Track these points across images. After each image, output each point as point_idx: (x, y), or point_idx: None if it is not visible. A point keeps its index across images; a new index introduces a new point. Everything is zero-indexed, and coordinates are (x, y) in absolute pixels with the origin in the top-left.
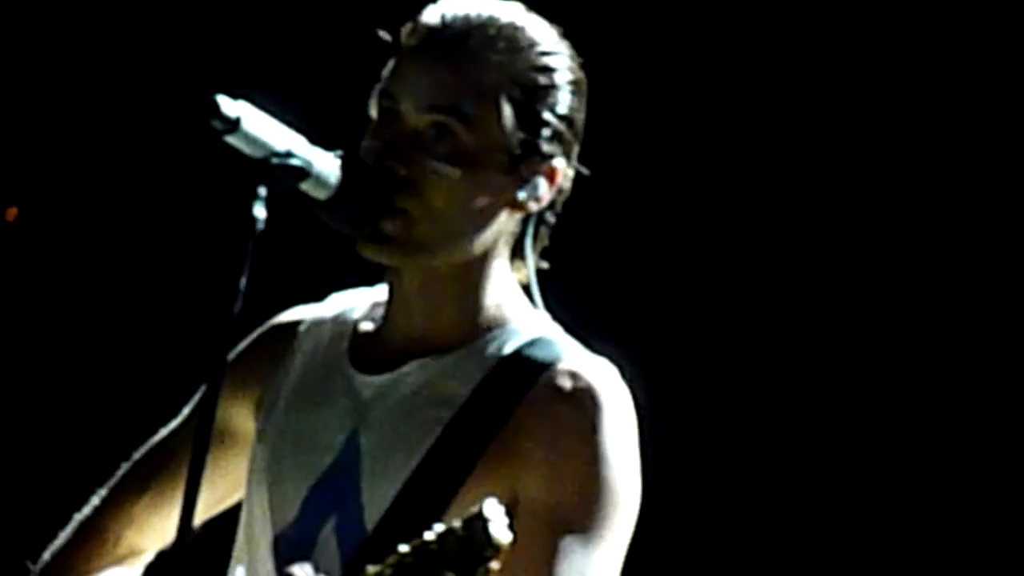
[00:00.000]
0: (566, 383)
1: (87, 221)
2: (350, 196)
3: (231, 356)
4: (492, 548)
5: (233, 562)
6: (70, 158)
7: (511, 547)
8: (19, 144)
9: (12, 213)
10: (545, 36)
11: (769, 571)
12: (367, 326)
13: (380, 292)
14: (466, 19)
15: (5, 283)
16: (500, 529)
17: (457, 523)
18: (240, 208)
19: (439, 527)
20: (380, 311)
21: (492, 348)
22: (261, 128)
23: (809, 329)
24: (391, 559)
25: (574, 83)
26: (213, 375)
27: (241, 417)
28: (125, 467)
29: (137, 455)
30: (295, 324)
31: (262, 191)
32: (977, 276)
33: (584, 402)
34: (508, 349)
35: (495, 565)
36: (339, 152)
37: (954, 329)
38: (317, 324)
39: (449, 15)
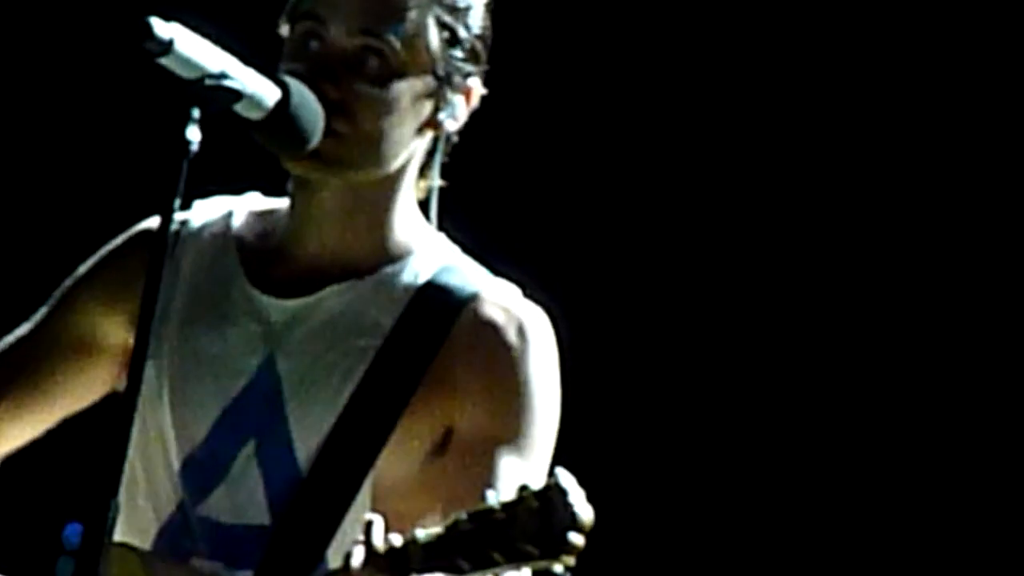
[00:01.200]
0: (494, 314)
1: (13, 143)
2: (284, 117)
3: (96, 261)
4: (576, 527)
5: (125, 483)
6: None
7: (451, 473)
8: None
9: None
10: None
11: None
12: (256, 240)
13: (253, 202)
14: None
15: None
16: (581, 504)
17: (528, 493)
18: (173, 129)
19: (497, 495)
20: (267, 224)
21: (407, 275)
22: (194, 50)
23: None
24: (445, 525)
25: (487, 2)
26: (146, 300)
27: (112, 327)
28: None
29: None
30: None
31: (196, 113)
32: (976, 276)
33: (515, 334)
34: (423, 276)
35: (580, 543)
36: (276, 74)
37: (941, 328)
38: (194, 233)
39: None
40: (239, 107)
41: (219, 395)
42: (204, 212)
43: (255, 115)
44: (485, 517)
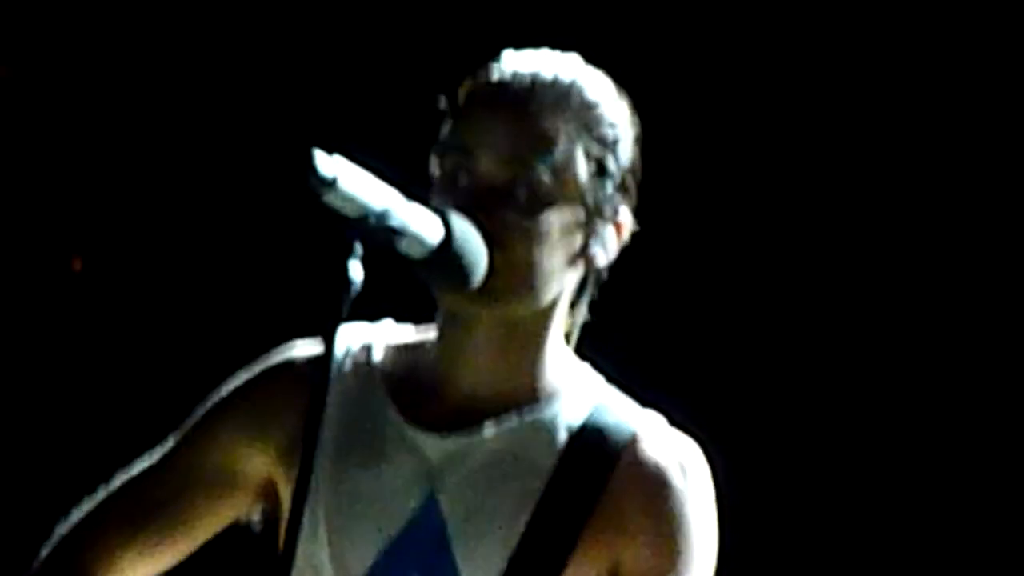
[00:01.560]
0: (655, 455)
1: (180, 279)
2: (448, 254)
3: (234, 392)
4: None
5: None
6: (162, 211)
7: None
8: (111, 196)
9: (77, 264)
10: (609, 89)
11: None
12: (403, 375)
13: (390, 332)
14: (535, 73)
15: (77, 337)
16: None
17: None
18: (336, 267)
19: None
20: (412, 357)
21: (564, 415)
22: (358, 186)
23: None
24: None
25: (636, 136)
26: (308, 437)
27: (255, 461)
28: (99, 499)
29: (113, 488)
30: (307, 363)
31: (359, 249)
32: (977, 277)
33: (676, 471)
34: (579, 416)
35: None
36: (439, 209)
37: (941, 328)
38: (336, 365)
39: (517, 69)
40: (402, 245)
41: (379, 532)
42: (341, 341)
43: (418, 253)
44: None
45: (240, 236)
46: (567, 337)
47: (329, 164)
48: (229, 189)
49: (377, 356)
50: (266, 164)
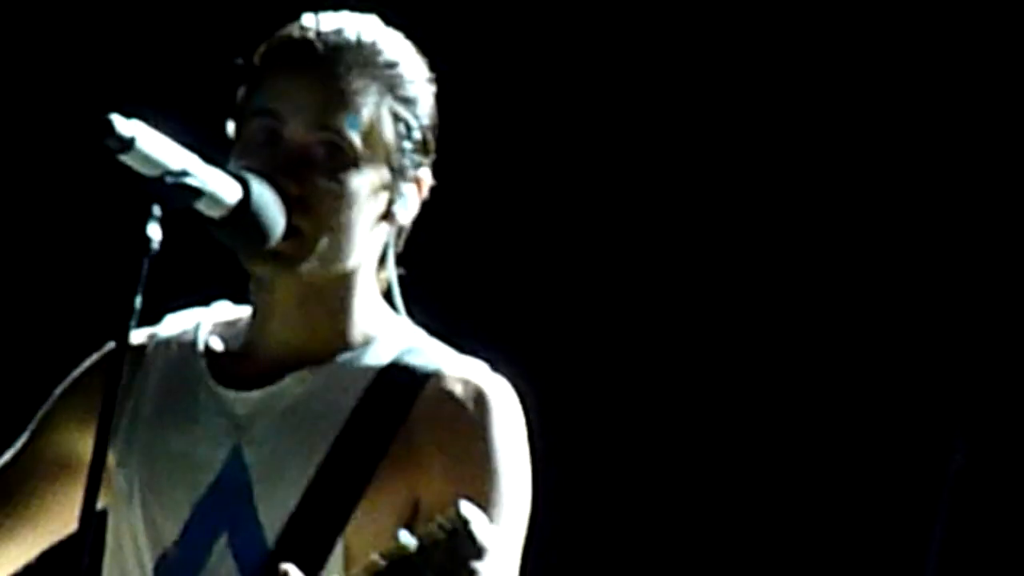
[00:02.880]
0: (455, 388)
1: None
2: (246, 216)
3: (70, 380)
4: (477, 551)
5: None
6: None
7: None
8: None
9: None
10: (408, 49)
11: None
12: (222, 344)
13: (222, 311)
14: (338, 34)
15: None
16: (483, 530)
17: (435, 528)
18: (134, 227)
19: (409, 535)
20: (234, 329)
21: (369, 358)
22: (156, 147)
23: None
24: (362, 569)
25: (433, 93)
26: (104, 409)
27: (86, 442)
28: None
29: None
30: (139, 348)
31: (156, 210)
32: (977, 278)
33: (476, 404)
34: (385, 358)
35: (481, 568)
36: (236, 172)
37: (941, 329)
38: (162, 345)
39: (319, 30)
40: (200, 205)
41: (189, 492)
42: (173, 325)
43: (216, 213)
44: (399, 556)
45: (40, 200)
46: (386, 295)
47: (127, 125)
48: (27, 152)
49: (202, 332)
50: (64, 126)
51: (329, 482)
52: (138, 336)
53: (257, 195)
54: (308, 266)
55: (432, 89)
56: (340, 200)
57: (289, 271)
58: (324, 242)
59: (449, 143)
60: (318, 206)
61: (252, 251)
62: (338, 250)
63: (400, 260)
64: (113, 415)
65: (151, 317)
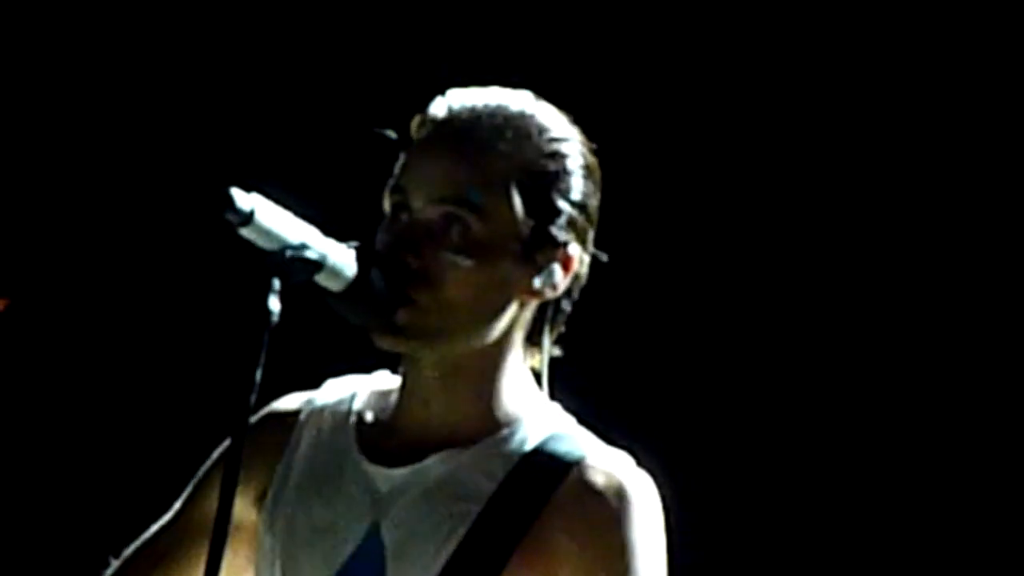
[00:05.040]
0: (597, 479)
1: (94, 313)
2: (365, 288)
3: (223, 449)
4: None
5: None
6: (78, 248)
7: None
8: (22, 235)
9: (2, 304)
10: (554, 122)
11: None
12: (373, 415)
13: (379, 380)
14: (473, 109)
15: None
16: None
17: None
18: (254, 300)
19: None
20: (386, 401)
21: (513, 442)
22: (275, 220)
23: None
24: None
25: (586, 168)
26: (229, 469)
27: (243, 509)
28: (116, 566)
29: (128, 552)
30: (294, 412)
31: (276, 283)
32: (978, 278)
33: (615, 498)
34: (530, 444)
35: None
36: (353, 244)
37: (942, 329)
38: (317, 412)
39: (456, 106)
40: (320, 278)
41: (327, 564)
42: (330, 392)
43: (336, 286)
44: None
45: (163, 272)
46: (537, 375)
47: (246, 199)
48: (151, 226)
49: (357, 402)
50: (186, 200)
51: (463, 567)
52: (295, 400)
53: (375, 268)
54: (433, 340)
55: (583, 164)
56: (460, 273)
57: (413, 345)
58: (444, 315)
59: (608, 221)
60: (437, 279)
61: (372, 324)
62: (462, 324)
63: (559, 341)
64: (236, 484)
65: (311, 382)
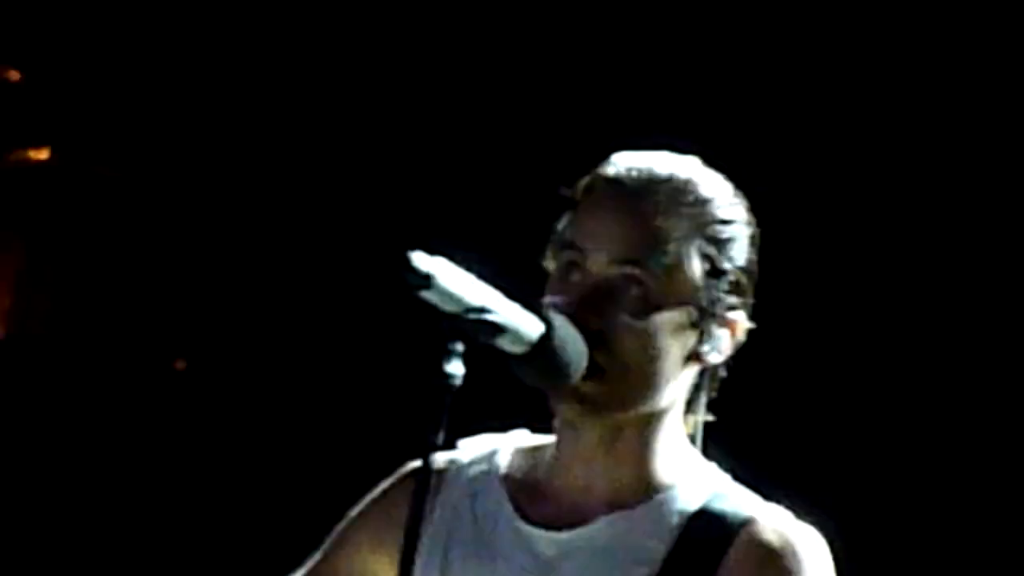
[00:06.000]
0: (771, 538)
1: (275, 375)
2: (548, 353)
3: (367, 501)
4: None
5: None
6: (259, 310)
7: None
8: (212, 298)
9: (180, 364)
10: (725, 189)
11: None
12: (522, 476)
13: (519, 439)
14: (650, 172)
15: (179, 434)
16: None
17: None
18: (436, 364)
19: None
20: (534, 460)
21: (677, 503)
22: (455, 283)
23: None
24: None
25: (751, 236)
26: (409, 535)
27: (380, 566)
28: None
29: None
30: (439, 471)
31: (458, 347)
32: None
33: (791, 556)
34: (694, 504)
35: None
36: (536, 306)
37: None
38: (459, 471)
39: (633, 168)
40: (502, 341)
41: None
42: (470, 450)
43: (518, 349)
44: None
45: (342, 336)
46: (692, 438)
47: (425, 261)
48: (329, 290)
49: (502, 460)
50: (364, 264)
51: None
52: (438, 460)
53: (559, 330)
54: (614, 409)
55: (749, 231)
56: (641, 337)
57: (595, 415)
58: (627, 382)
59: (765, 289)
60: (619, 342)
61: (556, 389)
62: (641, 389)
63: (710, 406)
64: (417, 542)
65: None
